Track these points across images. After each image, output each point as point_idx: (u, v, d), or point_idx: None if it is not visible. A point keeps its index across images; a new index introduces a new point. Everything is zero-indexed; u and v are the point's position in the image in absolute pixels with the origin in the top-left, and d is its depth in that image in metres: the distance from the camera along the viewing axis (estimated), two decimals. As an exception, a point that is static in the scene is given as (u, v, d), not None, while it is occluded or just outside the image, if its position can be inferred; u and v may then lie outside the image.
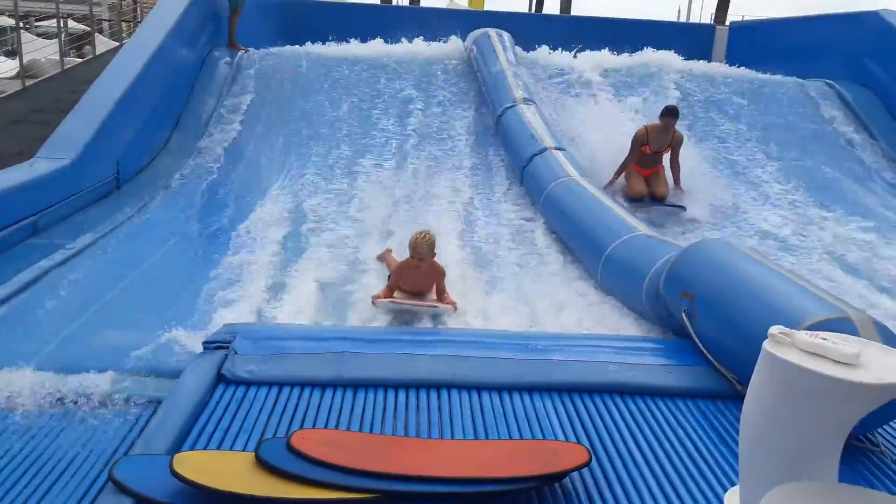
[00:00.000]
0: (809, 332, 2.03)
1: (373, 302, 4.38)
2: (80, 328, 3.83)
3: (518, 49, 10.18)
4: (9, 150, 7.11)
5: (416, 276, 4.45)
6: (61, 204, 5.68)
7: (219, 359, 3.13)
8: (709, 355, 3.28)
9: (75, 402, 2.96)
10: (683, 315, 3.49)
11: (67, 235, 5.29)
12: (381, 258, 5.15)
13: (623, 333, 4.13)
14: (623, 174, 7.21)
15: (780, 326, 2.03)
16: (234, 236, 5.62)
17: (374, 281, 4.85)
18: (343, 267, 5.15)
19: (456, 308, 4.40)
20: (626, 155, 7.11)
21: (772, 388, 2.00)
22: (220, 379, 3.01)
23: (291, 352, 3.22)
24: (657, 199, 7.00)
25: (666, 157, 7.23)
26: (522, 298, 4.79)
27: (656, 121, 7.18)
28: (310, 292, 4.56)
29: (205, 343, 3.31)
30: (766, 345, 2.00)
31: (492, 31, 10.11)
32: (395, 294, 4.46)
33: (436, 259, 4.51)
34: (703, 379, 3.21)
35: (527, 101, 8.27)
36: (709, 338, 3.33)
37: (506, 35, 10.10)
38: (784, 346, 1.99)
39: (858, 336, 2.31)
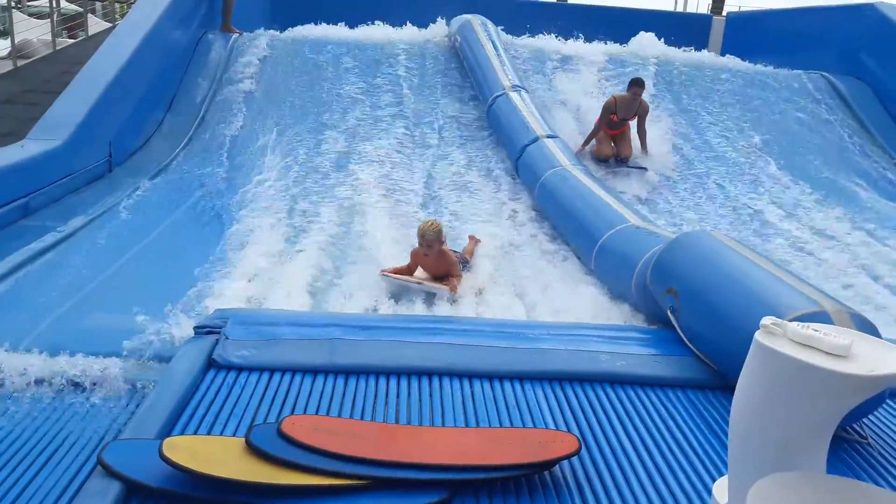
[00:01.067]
0: (801, 324, 2.03)
1: (380, 273, 4.61)
2: (70, 311, 3.82)
3: (505, 35, 10.04)
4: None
5: (427, 262, 4.62)
6: (53, 186, 5.64)
7: (210, 344, 3.12)
8: (694, 349, 3.29)
9: (65, 385, 2.96)
10: (669, 312, 3.51)
11: (59, 218, 5.26)
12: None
13: (614, 322, 4.14)
14: (594, 138, 7.90)
15: (773, 317, 2.04)
16: (226, 221, 5.60)
17: (368, 267, 4.85)
18: (337, 253, 5.14)
19: (453, 291, 4.49)
20: (597, 120, 7.84)
21: (763, 378, 2.01)
22: (211, 364, 3.00)
23: (283, 337, 3.21)
24: (622, 160, 7.79)
25: (634, 125, 7.90)
26: (516, 285, 4.81)
27: (624, 92, 7.84)
28: (304, 278, 4.55)
29: (196, 328, 3.29)
30: (758, 335, 2.01)
31: (474, 20, 9.93)
32: (415, 275, 4.66)
33: (447, 246, 4.68)
34: (693, 369, 3.23)
35: (516, 87, 8.23)
36: (693, 331, 3.34)
37: (489, 23, 9.98)
38: (776, 337, 1.99)
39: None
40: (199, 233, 5.38)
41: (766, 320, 2.01)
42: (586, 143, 7.90)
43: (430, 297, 4.48)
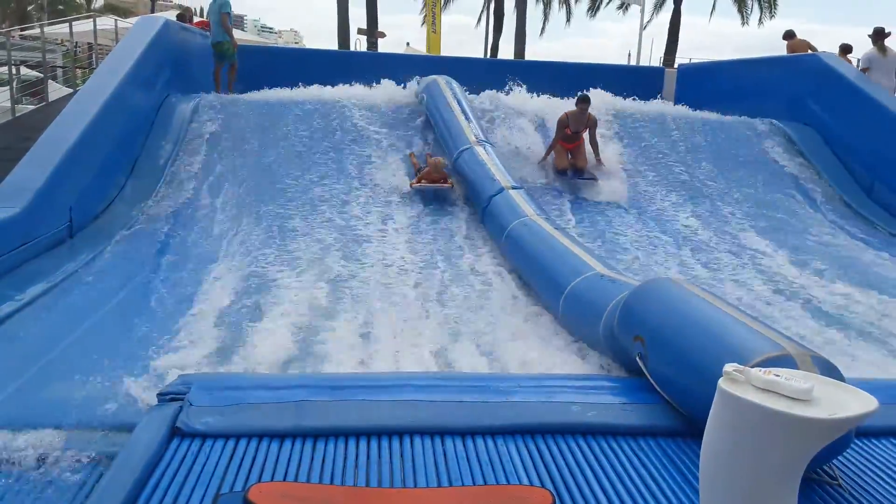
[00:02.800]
0: (763, 369, 2.07)
1: (410, 185, 8.16)
2: (28, 382, 3.70)
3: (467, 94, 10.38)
4: (-45, 199, 6.93)
5: (434, 177, 8.15)
6: (11, 254, 5.52)
7: (174, 411, 3.04)
8: (665, 395, 3.31)
9: (23, 461, 2.85)
10: (637, 358, 3.54)
11: (17, 287, 5.13)
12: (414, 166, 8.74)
13: (584, 373, 4.16)
14: (552, 152, 9.01)
15: (735, 364, 2.07)
16: (189, 285, 5.53)
17: (336, 325, 4.83)
18: (303, 313, 5.09)
19: (452, 185, 8.13)
20: (554, 135, 8.98)
21: (728, 424, 2.03)
22: (175, 432, 2.92)
23: (248, 402, 3.14)
24: (578, 171, 8.88)
25: (587, 137, 8.99)
26: (483, 338, 4.81)
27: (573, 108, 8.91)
28: (268, 340, 4.49)
29: (159, 395, 3.21)
30: (722, 382, 2.04)
31: (439, 78, 10.29)
32: (422, 182, 8.15)
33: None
34: (664, 416, 3.23)
35: (481, 142, 8.49)
36: (663, 378, 3.37)
37: (454, 81, 10.29)
38: (739, 384, 2.03)
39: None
40: (161, 298, 5.29)
41: (729, 367, 2.05)
42: (546, 155, 9.07)
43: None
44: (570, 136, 8.92)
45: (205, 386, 3.25)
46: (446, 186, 8.12)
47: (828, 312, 5.74)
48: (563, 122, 8.87)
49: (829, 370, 2.75)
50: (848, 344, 5.06)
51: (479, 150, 8.30)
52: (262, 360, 4.22)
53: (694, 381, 3.08)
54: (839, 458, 2.91)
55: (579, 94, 9.01)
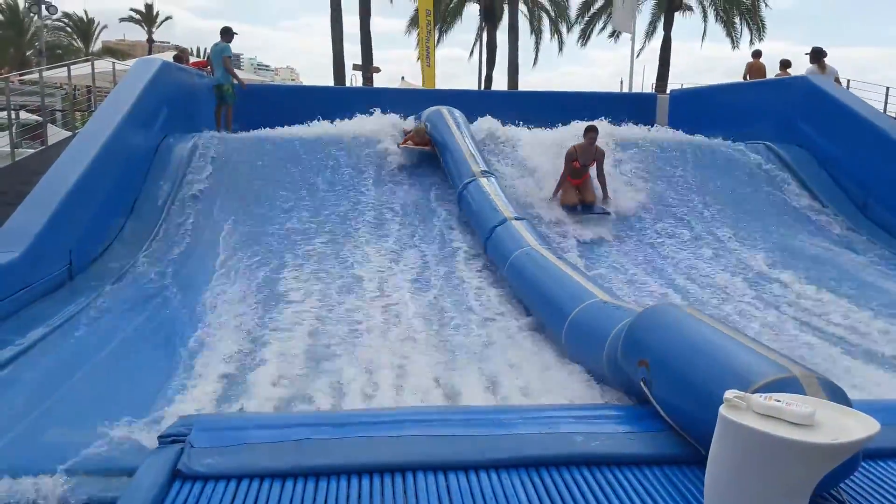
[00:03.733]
0: (764, 395, 2.07)
1: (398, 146, 9.58)
2: (28, 427, 3.69)
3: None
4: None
5: (417, 140, 9.67)
6: (11, 298, 5.53)
7: (175, 453, 3.01)
8: (670, 421, 3.29)
9: (24, 508, 2.83)
10: (642, 383, 3.52)
11: (18, 331, 5.12)
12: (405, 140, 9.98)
13: (587, 402, 4.13)
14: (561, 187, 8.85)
15: (735, 391, 2.07)
16: (188, 326, 5.50)
17: (340, 366, 4.83)
18: (301, 352, 5.07)
19: (433, 148, 9.58)
20: (562, 171, 8.78)
21: (731, 451, 2.02)
22: (177, 475, 2.89)
23: (250, 442, 3.11)
24: (587, 205, 8.73)
25: (594, 171, 8.83)
26: (486, 368, 4.79)
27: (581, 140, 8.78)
28: (268, 379, 4.47)
29: (160, 437, 3.19)
30: (723, 409, 2.03)
31: (443, 109, 10.42)
32: (408, 143, 9.71)
33: None
34: (670, 444, 3.21)
35: (485, 173, 8.60)
36: (668, 403, 3.35)
37: (457, 111, 10.42)
38: (740, 410, 2.02)
39: (804, 394, 2.36)
40: (161, 339, 5.28)
41: (729, 394, 2.04)
42: (556, 192, 8.83)
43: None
44: (578, 171, 8.74)
45: (205, 427, 3.23)
46: (427, 149, 9.70)
47: (837, 334, 5.72)
48: (572, 156, 8.66)
49: (837, 393, 2.73)
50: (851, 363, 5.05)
51: (483, 181, 8.48)
52: (262, 398, 4.20)
53: (699, 407, 3.06)
54: (847, 481, 2.88)
55: (587, 124, 8.85)
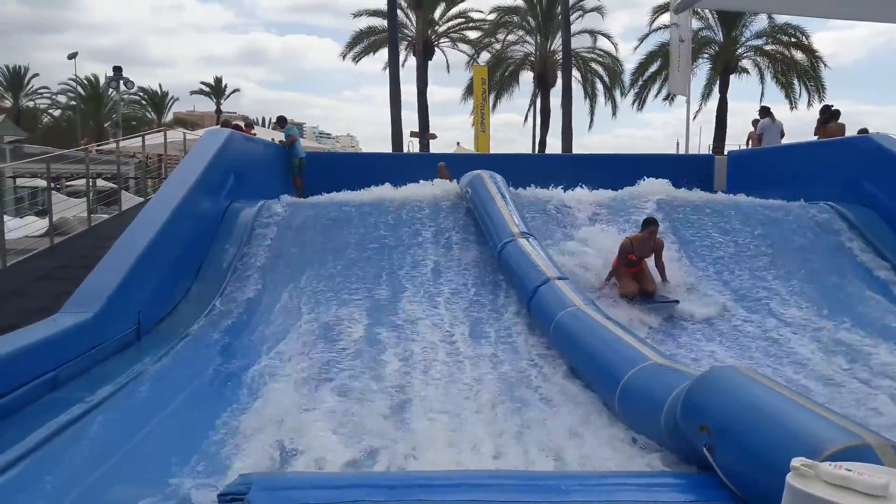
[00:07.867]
0: (833, 464, 1.99)
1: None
2: (93, 484, 3.79)
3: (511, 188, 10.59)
4: (32, 306, 7.31)
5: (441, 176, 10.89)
6: (82, 357, 5.76)
7: (234, 512, 3.06)
8: (734, 490, 3.16)
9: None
10: (705, 449, 3.41)
11: (87, 389, 5.32)
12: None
13: (646, 469, 4.01)
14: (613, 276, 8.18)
15: (803, 458, 2.00)
16: (251, 385, 5.62)
17: (385, 426, 4.85)
18: (358, 415, 5.09)
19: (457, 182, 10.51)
20: (614, 261, 8.13)
21: (801, 523, 1.94)
22: (236, 534, 2.93)
23: (308, 502, 3.14)
24: (647, 295, 7.95)
25: (650, 261, 8.14)
26: (537, 433, 4.71)
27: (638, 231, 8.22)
28: (328, 439, 4.50)
29: (219, 495, 3.24)
30: (790, 478, 1.96)
31: (483, 173, 10.54)
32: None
33: None
34: (734, 515, 3.08)
35: (524, 234, 8.57)
36: (732, 471, 3.23)
37: (497, 175, 10.54)
38: (808, 479, 1.95)
39: (881, 464, 2.25)
40: (224, 397, 5.38)
41: (797, 462, 1.97)
42: (607, 281, 8.22)
43: None
44: (634, 262, 8.09)
45: (265, 486, 3.27)
46: (452, 182, 11.31)
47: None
48: (627, 249, 8.00)
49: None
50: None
51: (523, 241, 8.38)
52: (322, 458, 4.22)
53: (764, 475, 2.95)
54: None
55: (646, 217, 8.33)
